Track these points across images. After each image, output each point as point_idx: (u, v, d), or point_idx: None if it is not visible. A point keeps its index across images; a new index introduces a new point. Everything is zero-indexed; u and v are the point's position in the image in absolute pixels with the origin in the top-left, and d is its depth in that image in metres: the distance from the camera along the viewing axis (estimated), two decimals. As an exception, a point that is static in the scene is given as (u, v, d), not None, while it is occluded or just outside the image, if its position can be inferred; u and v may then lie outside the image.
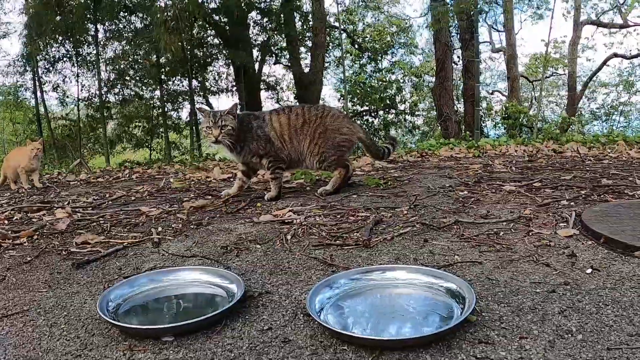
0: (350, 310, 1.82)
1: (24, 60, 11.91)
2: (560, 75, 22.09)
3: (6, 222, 3.77)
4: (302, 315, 1.79)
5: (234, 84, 12.24)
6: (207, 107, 3.74)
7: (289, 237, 2.82)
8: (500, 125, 14.68)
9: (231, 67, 12.22)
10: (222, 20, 11.53)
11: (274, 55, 14.24)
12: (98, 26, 11.39)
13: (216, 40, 12.01)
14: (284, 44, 13.35)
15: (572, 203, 3.19)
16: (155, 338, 1.67)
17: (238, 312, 1.84)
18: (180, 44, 9.92)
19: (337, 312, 1.79)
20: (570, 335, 1.52)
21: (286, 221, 3.19)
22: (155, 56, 10.84)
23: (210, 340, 1.64)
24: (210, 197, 4.33)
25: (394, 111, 15.88)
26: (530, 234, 2.59)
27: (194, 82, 11.79)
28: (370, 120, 15.96)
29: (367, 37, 17.37)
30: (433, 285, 1.91)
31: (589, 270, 2.04)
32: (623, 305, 1.70)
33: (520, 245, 2.42)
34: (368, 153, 4.47)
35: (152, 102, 11.93)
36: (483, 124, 15.04)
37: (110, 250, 2.79)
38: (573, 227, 2.63)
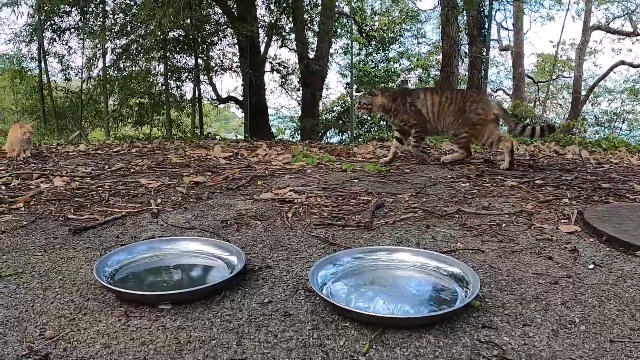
0: (353, 288, 1.80)
1: (31, 30, 11.83)
2: (566, 78, 22.02)
3: (3, 187, 3.73)
4: (303, 290, 1.77)
5: (238, 63, 12.14)
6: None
7: (289, 215, 2.80)
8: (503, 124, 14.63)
9: (236, 47, 12.14)
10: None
11: (280, 37, 14.15)
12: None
13: (222, 19, 11.93)
14: (291, 27, 13.28)
15: (573, 202, 3.17)
16: (152, 305, 1.65)
17: (238, 285, 1.83)
18: (188, 19, 9.86)
19: (339, 289, 1.78)
20: (573, 325, 1.52)
21: (287, 200, 3.17)
22: (160, 32, 10.75)
23: (208, 310, 1.63)
24: (210, 173, 4.30)
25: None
26: (532, 227, 2.58)
27: (199, 60, 11.70)
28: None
29: (375, 25, 17.28)
30: (437, 269, 1.90)
31: (591, 266, 2.03)
32: (625, 301, 1.69)
33: (522, 238, 2.40)
34: (506, 125, 5.10)
35: (155, 78, 11.81)
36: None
37: (108, 219, 2.76)
38: (575, 224, 2.61)
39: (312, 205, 3.00)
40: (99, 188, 3.64)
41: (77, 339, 1.47)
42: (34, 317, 1.60)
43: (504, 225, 2.61)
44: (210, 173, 4.32)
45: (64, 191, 3.55)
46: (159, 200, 3.22)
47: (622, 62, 20.15)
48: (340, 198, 3.23)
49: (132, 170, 4.54)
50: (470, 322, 1.53)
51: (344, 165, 4.51)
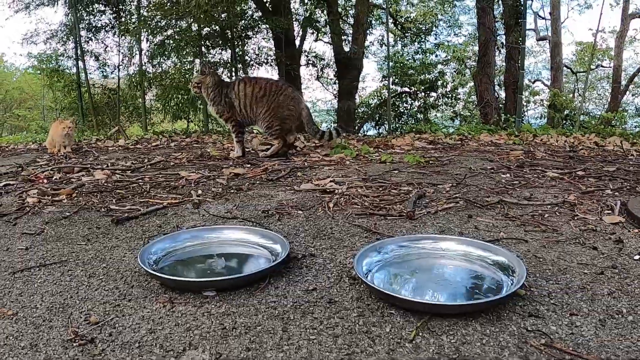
0: (398, 276, 1.80)
1: (67, 29, 12.00)
2: (606, 68, 21.53)
3: (45, 181, 3.81)
4: (347, 278, 1.78)
5: (274, 57, 12.15)
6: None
7: (331, 205, 2.81)
8: (544, 115, 14.35)
9: (271, 41, 12.15)
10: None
11: (315, 31, 14.11)
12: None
13: (257, 14, 11.94)
14: (325, 19, 13.25)
15: (616, 193, 3.10)
16: (196, 292, 1.67)
17: (282, 273, 1.84)
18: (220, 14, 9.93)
19: (384, 277, 1.78)
20: (620, 316, 1.48)
21: (327, 190, 3.17)
22: (196, 27, 10.83)
23: (253, 297, 1.64)
24: (249, 165, 4.33)
25: (434, 94, 15.69)
26: (575, 218, 2.54)
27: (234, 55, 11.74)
28: (410, 101, 15.78)
29: (409, 16, 17.13)
30: (482, 258, 1.88)
31: (637, 257, 1.98)
32: (673, 293, 1.65)
33: (565, 228, 2.37)
34: (307, 129, 5.13)
35: (191, 74, 11.88)
36: (524, 113, 14.73)
37: (150, 209, 2.81)
38: (619, 215, 2.56)
39: (353, 196, 3.00)
40: (140, 180, 3.69)
41: (122, 324, 1.49)
42: (79, 303, 1.63)
43: (546, 215, 2.58)
44: (249, 165, 4.35)
45: (105, 183, 3.61)
46: (199, 192, 3.25)
47: (664, 52, 19.64)
48: (380, 188, 3.22)
49: (172, 163, 4.59)
50: (516, 310, 1.51)
51: (383, 157, 4.50)
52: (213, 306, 1.58)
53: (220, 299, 1.63)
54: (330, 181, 3.40)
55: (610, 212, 2.65)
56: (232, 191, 3.27)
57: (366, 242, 2.15)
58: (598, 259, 1.96)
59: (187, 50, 11.26)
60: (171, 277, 1.78)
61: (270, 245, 2.06)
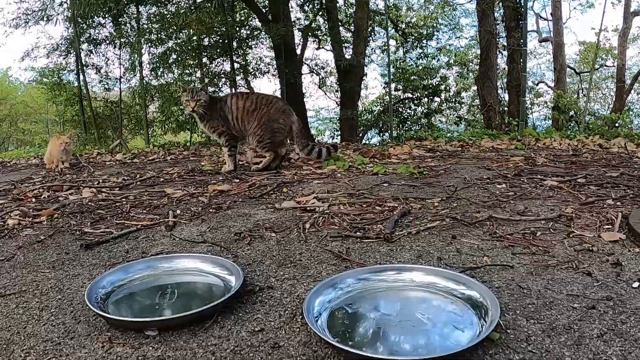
0: (354, 316, 1.63)
1: (68, 43, 11.98)
2: (610, 67, 21.22)
3: (33, 200, 3.73)
4: (300, 317, 1.62)
5: (275, 67, 12.08)
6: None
7: (307, 226, 2.66)
8: (549, 117, 14.11)
9: (273, 51, 12.07)
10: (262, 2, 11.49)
11: (316, 39, 14.05)
12: (140, 8, 11.34)
13: (258, 24, 11.91)
14: (326, 28, 13.21)
15: (618, 203, 2.91)
16: (139, 331, 1.56)
17: (233, 308, 1.70)
18: (219, 25, 9.86)
19: (339, 318, 1.61)
20: (609, 367, 1.28)
21: (308, 209, 3.01)
22: (195, 38, 10.77)
23: (194, 339, 1.51)
24: (237, 180, 4.19)
25: (437, 99, 15.54)
26: (571, 235, 2.34)
27: (235, 65, 11.67)
28: (413, 107, 15.64)
29: (410, 22, 17.03)
30: (453, 292, 1.69)
31: (636, 284, 1.77)
32: (674, 333, 1.44)
33: (558, 249, 2.17)
34: (296, 143, 5.09)
35: (192, 84, 11.83)
36: (528, 116, 14.44)
37: (122, 232, 2.70)
38: (619, 231, 2.36)
39: (334, 214, 2.84)
40: (124, 199, 3.58)
41: (57, 366, 1.40)
42: (23, 340, 1.57)
43: (539, 233, 2.39)
44: (237, 180, 4.22)
45: (89, 203, 3.51)
46: (178, 211, 3.13)
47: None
48: (365, 205, 3.05)
49: (162, 179, 4.49)
50: (485, 360, 1.33)
51: (376, 168, 4.34)
52: (151, 348, 1.46)
53: (161, 339, 1.51)
54: (314, 198, 3.25)
55: (610, 226, 2.45)
56: (211, 210, 3.13)
57: (333, 271, 1.99)
58: (591, 288, 1.76)
59: (189, 61, 11.21)
60: (111, 316, 1.66)
61: (225, 276, 1.93)
